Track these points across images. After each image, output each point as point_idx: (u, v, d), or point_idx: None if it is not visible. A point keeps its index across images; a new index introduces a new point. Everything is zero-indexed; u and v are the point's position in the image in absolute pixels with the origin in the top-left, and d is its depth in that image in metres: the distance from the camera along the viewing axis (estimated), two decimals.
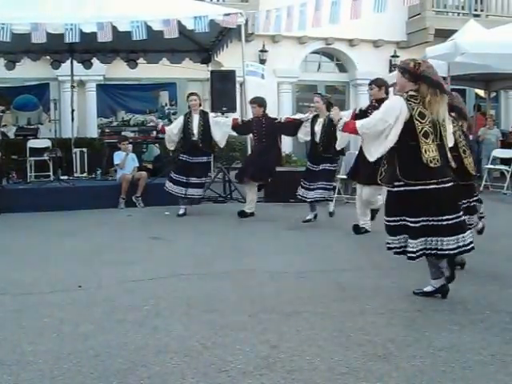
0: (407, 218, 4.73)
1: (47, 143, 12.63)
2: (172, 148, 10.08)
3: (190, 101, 9.55)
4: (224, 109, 11.05)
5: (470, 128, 14.14)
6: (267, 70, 14.22)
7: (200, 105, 9.64)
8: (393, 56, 19.13)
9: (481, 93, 18.17)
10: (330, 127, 7.96)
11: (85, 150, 12.65)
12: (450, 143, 4.98)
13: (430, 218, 4.67)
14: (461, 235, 4.72)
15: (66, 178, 11.66)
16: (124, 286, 5.39)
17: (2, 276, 5.80)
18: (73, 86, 14.36)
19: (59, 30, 9.67)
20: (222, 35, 12.15)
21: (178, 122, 9.72)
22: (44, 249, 7.25)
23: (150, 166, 12.97)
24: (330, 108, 8.05)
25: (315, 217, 8.68)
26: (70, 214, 9.60)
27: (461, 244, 4.71)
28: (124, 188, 10.37)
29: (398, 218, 4.80)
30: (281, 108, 17.15)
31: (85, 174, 12.50)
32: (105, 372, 3.46)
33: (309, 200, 8.58)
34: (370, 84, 7.93)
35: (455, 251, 4.74)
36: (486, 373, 3.42)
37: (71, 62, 13.89)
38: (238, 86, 12.23)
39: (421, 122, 4.64)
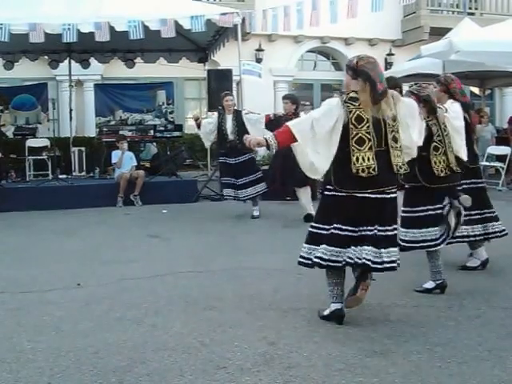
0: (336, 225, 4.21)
1: (45, 142, 12.67)
2: (208, 144, 9.95)
3: (226, 101, 9.24)
4: (220, 108, 11.06)
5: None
6: (263, 68, 14.26)
7: (234, 105, 9.45)
8: (388, 54, 19.19)
9: (476, 90, 18.19)
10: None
11: (83, 149, 12.67)
12: (420, 141, 4.60)
13: (358, 228, 4.20)
14: (389, 249, 4.20)
15: (64, 176, 11.70)
16: (123, 283, 5.41)
17: (2, 274, 5.83)
18: (71, 86, 14.38)
19: (57, 30, 9.68)
20: (218, 34, 12.17)
21: (213, 119, 9.51)
22: (43, 247, 7.27)
23: (147, 164, 13.00)
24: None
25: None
26: (69, 213, 9.62)
27: (386, 259, 4.17)
28: (122, 186, 10.39)
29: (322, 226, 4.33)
30: (277, 107, 17.11)
31: (83, 173, 12.54)
32: (104, 369, 3.49)
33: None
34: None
35: (377, 266, 4.19)
36: (483, 368, 3.45)
37: (69, 62, 13.91)
38: (234, 84, 12.27)
39: (356, 127, 4.13)
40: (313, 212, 8.58)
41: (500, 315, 4.40)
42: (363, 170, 4.09)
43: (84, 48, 12.98)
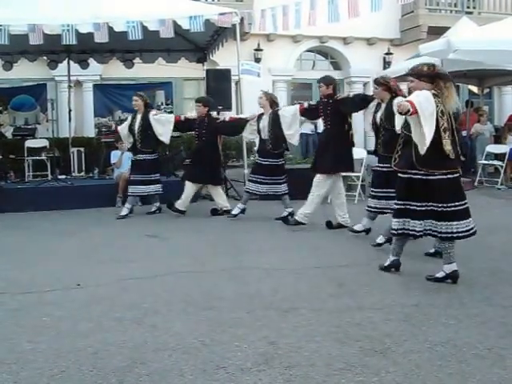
0: (412, 203, 5.27)
1: (45, 143, 12.68)
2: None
3: (133, 101, 9.67)
4: (220, 107, 11.07)
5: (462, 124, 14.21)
6: (262, 68, 14.24)
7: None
8: (386, 53, 19.23)
9: (474, 89, 18.22)
10: (276, 123, 8.60)
11: (82, 149, 12.67)
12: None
13: (436, 204, 5.18)
14: (466, 220, 5.21)
15: (63, 177, 11.69)
16: (122, 284, 5.41)
17: (1, 275, 5.82)
18: (70, 86, 14.37)
19: (56, 30, 9.68)
20: (217, 34, 12.16)
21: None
22: (42, 248, 7.27)
23: None
24: (273, 105, 8.74)
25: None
26: (68, 213, 9.62)
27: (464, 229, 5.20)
28: (121, 187, 10.38)
29: (402, 202, 5.33)
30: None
31: (82, 174, 12.53)
32: (104, 369, 3.49)
33: (261, 194, 9.01)
34: (318, 82, 8.27)
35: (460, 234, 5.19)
36: (483, 367, 3.45)
37: (68, 63, 13.89)
38: (233, 84, 12.27)
39: (441, 119, 5.08)
40: (229, 207, 9.26)
41: (500, 313, 4.40)
42: (449, 154, 5.11)
43: (83, 48, 12.96)
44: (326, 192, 8.19)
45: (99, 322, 4.34)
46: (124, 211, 9.40)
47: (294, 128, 8.80)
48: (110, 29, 9.79)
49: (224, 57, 13.71)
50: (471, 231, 5.27)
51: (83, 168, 12.64)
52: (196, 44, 13.48)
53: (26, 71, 14.68)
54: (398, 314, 4.41)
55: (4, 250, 7.12)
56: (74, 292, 5.19)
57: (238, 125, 9.35)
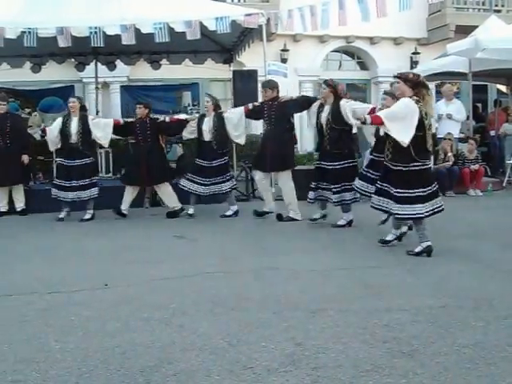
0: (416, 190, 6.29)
1: None
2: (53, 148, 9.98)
3: (69, 103, 9.59)
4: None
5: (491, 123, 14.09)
6: (288, 68, 14.24)
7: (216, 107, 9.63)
8: (413, 53, 19.10)
9: (503, 88, 18.01)
10: (220, 125, 9.17)
11: (109, 150, 12.73)
12: None
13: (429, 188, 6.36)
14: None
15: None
16: (150, 284, 5.44)
17: (30, 275, 5.90)
18: (97, 88, 14.53)
19: (83, 33, 9.77)
20: (243, 35, 12.18)
21: (56, 124, 9.62)
22: (70, 248, 7.34)
23: (173, 165, 13.02)
24: (217, 108, 9.19)
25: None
26: (96, 214, 9.69)
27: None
28: (149, 188, 10.43)
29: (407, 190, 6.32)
30: None
31: (110, 174, 12.59)
32: (131, 369, 3.50)
33: (205, 195, 9.41)
34: (263, 87, 9.11)
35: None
36: None
37: (95, 64, 14.04)
38: (259, 85, 12.27)
39: (426, 119, 6.18)
40: (180, 206, 9.50)
41: None
42: (430, 146, 6.40)
43: (110, 50, 13.07)
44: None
45: (127, 322, 4.36)
46: (62, 214, 9.49)
47: (241, 129, 9.40)
48: (137, 30, 9.86)
49: (250, 57, 13.73)
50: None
51: (110, 169, 12.71)
52: (222, 45, 13.51)
53: (53, 73, 14.86)
54: (425, 316, 4.37)
55: (33, 250, 7.21)
56: (102, 292, 5.23)
57: (179, 125, 9.67)
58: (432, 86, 17.77)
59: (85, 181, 9.43)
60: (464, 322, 4.22)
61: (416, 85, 6.21)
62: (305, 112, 8.77)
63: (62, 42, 9.73)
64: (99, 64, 14.08)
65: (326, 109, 8.07)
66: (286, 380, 3.32)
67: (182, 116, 10.25)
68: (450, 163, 11.83)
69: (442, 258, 6.22)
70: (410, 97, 6.14)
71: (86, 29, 9.75)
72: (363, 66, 20.04)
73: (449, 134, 12.22)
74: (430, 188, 6.35)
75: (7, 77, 14.70)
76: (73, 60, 14.20)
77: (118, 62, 14.17)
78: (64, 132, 9.36)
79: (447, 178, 11.71)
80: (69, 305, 4.86)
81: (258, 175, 9.10)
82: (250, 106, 9.35)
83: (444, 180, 11.63)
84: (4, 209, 9.99)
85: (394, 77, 6.57)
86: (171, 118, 10.04)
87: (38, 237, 8.17)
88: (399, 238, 6.97)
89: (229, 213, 9.37)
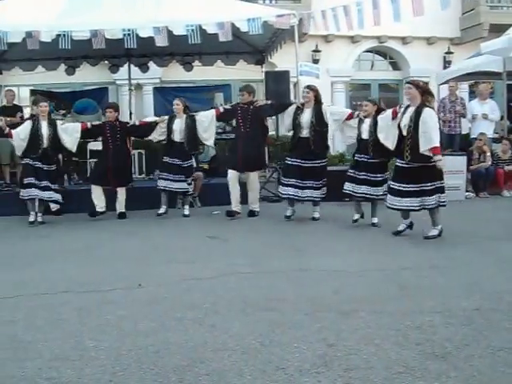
0: (407, 185, 7.24)
1: None
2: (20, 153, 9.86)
3: (40, 107, 9.58)
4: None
5: None
6: (320, 69, 14.22)
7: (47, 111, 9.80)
8: (446, 53, 18.90)
9: None
10: (191, 127, 9.52)
11: (142, 151, 12.83)
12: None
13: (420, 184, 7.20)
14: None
15: None
16: (183, 284, 5.48)
17: (65, 275, 5.98)
18: (130, 90, 14.67)
19: (117, 35, 9.87)
20: (275, 36, 12.19)
21: (24, 127, 9.62)
22: (104, 248, 7.43)
23: (206, 166, 13.07)
24: (186, 110, 9.59)
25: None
26: (130, 214, 9.78)
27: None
28: (198, 186, 10.52)
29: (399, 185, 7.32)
30: None
31: (143, 175, 12.70)
32: (164, 368, 3.54)
33: (171, 190, 9.75)
34: (240, 90, 9.62)
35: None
36: None
37: (128, 66, 14.18)
38: (291, 86, 12.27)
39: None
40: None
41: None
42: None
43: (143, 52, 13.19)
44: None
45: (160, 322, 4.40)
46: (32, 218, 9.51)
47: (210, 131, 9.76)
48: (170, 32, 9.92)
49: (282, 58, 13.74)
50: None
51: (144, 170, 12.81)
52: (254, 46, 13.53)
53: (87, 75, 15.03)
54: (459, 318, 4.34)
55: (68, 250, 7.31)
56: (136, 292, 5.28)
57: (148, 128, 9.90)
58: (465, 85, 17.67)
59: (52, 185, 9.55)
60: (498, 325, 4.17)
61: (424, 92, 7.11)
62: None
63: (96, 45, 9.85)
64: (132, 66, 14.21)
65: (307, 111, 8.85)
66: (318, 381, 3.33)
67: (151, 119, 10.53)
68: (489, 163, 11.69)
69: (476, 260, 6.16)
70: (428, 106, 7.16)
71: (119, 31, 9.85)
72: (395, 66, 19.90)
73: (481, 134, 12.07)
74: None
75: (42, 79, 14.96)
76: (106, 62, 14.35)
77: (151, 64, 14.28)
78: (35, 135, 9.41)
79: (483, 178, 11.57)
80: (103, 304, 4.92)
81: (230, 174, 9.40)
82: (221, 109, 9.94)
83: (479, 181, 11.51)
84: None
85: (407, 83, 7.47)
86: (141, 122, 10.25)
87: (71, 237, 8.28)
88: (410, 226, 7.64)
89: (185, 212, 9.83)
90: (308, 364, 3.56)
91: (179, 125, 9.58)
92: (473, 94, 14.95)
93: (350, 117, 8.67)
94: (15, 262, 6.73)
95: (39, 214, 9.55)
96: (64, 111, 13.47)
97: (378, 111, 8.21)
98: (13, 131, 9.45)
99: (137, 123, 10.13)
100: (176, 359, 3.68)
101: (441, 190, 7.24)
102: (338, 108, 9.52)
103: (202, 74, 14.96)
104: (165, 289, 5.34)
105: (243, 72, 14.58)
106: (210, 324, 4.32)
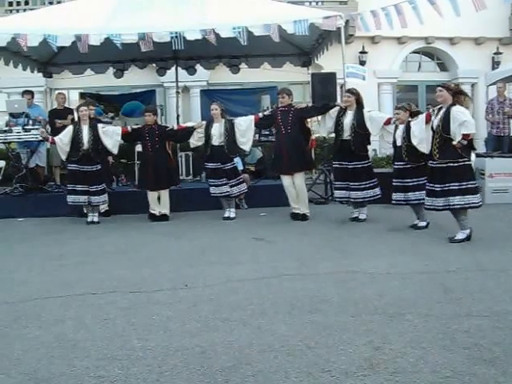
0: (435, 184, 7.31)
1: None
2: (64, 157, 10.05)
3: (81, 111, 9.74)
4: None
5: None
6: (367, 71, 14.11)
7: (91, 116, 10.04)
8: (495, 53, 18.58)
9: None
10: (230, 131, 9.62)
11: (190, 153, 12.94)
12: None
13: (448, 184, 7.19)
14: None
15: None
16: (229, 285, 5.51)
17: (113, 275, 6.08)
18: (178, 92, 14.79)
19: (164, 38, 9.98)
20: (321, 38, 12.15)
21: (67, 133, 9.78)
22: (152, 249, 7.51)
23: (252, 168, 13.14)
24: (223, 114, 9.80)
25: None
26: (177, 216, 9.87)
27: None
28: None
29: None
30: (381, 109, 16.96)
31: (190, 177, 12.81)
32: (210, 369, 3.57)
33: (222, 195, 9.85)
34: (278, 93, 9.77)
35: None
36: None
37: (176, 69, 14.30)
38: (338, 88, 12.21)
39: None
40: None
41: None
42: None
43: (190, 55, 13.31)
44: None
45: (206, 322, 4.44)
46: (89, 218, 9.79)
47: (248, 136, 9.80)
48: (217, 35, 9.98)
49: (329, 60, 13.67)
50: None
51: (191, 171, 12.92)
52: (301, 48, 13.53)
53: (135, 78, 15.23)
54: (507, 323, 4.27)
55: (116, 251, 7.42)
56: (182, 292, 5.33)
57: (186, 133, 9.98)
58: None
59: (97, 187, 9.70)
60: None
61: (455, 93, 7.22)
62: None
63: (144, 48, 9.97)
64: (179, 69, 14.33)
65: (349, 114, 8.97)
66: None
67: (190, 124, 10.51)
68: None
69: None
70: (459, 104, 7.21)
71: (167, 34, 9.95)
72: (443, 67, 19.66)
73: None
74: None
75: (91, 82, 15.21)
76: (154, 65, 14.51)
77: (198, 67, 14.39)
78: (76, 140, 9.60)
79: None
80: (150, 304, 4.99)
81: (283, 180, 9.49)
82: (261, 114, 9.94)
83: None
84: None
85: (438, 86, 7.49)
86: (179, 126, 10.40)
87: (120, 238, 8.40)
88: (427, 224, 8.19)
89: (230, 215, 9.85)
90: (354, 367, 3.54)
91: (218, 129, 9.67)
92: None
93: (388, 122, 8.69)
94: (64, 262, 6.86)
95: (95, 214, 9.80)
96: (113, 114, 13.66)
97: (412, 114, 8.16)
98: (55, 138, 9.75)
99: (175, 128, 10.24)
100: (222, 360, 3.70)
101: (471, 190, 7.14)
102: (378, 113, 9.53)
103: (249, 76, 15.01)
104: (210, 290, 5.38)
105: (290, 74, 14.57)
106: (255, 325, 4.34)
